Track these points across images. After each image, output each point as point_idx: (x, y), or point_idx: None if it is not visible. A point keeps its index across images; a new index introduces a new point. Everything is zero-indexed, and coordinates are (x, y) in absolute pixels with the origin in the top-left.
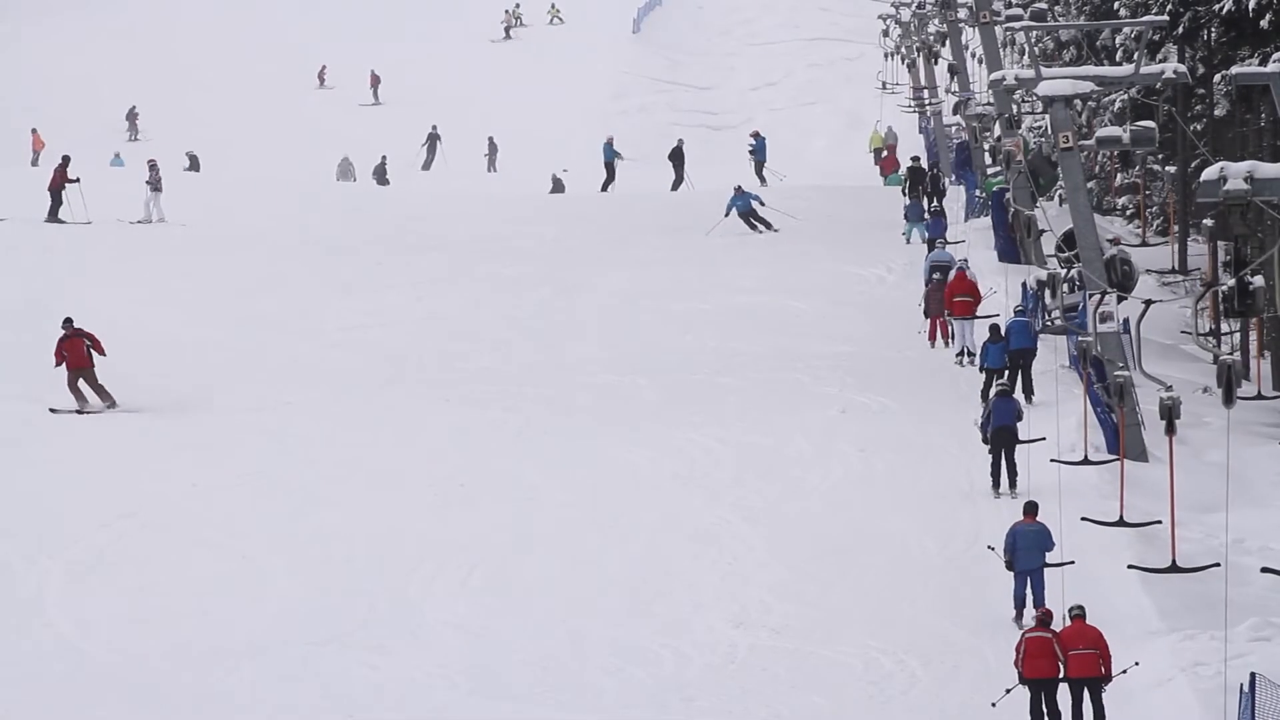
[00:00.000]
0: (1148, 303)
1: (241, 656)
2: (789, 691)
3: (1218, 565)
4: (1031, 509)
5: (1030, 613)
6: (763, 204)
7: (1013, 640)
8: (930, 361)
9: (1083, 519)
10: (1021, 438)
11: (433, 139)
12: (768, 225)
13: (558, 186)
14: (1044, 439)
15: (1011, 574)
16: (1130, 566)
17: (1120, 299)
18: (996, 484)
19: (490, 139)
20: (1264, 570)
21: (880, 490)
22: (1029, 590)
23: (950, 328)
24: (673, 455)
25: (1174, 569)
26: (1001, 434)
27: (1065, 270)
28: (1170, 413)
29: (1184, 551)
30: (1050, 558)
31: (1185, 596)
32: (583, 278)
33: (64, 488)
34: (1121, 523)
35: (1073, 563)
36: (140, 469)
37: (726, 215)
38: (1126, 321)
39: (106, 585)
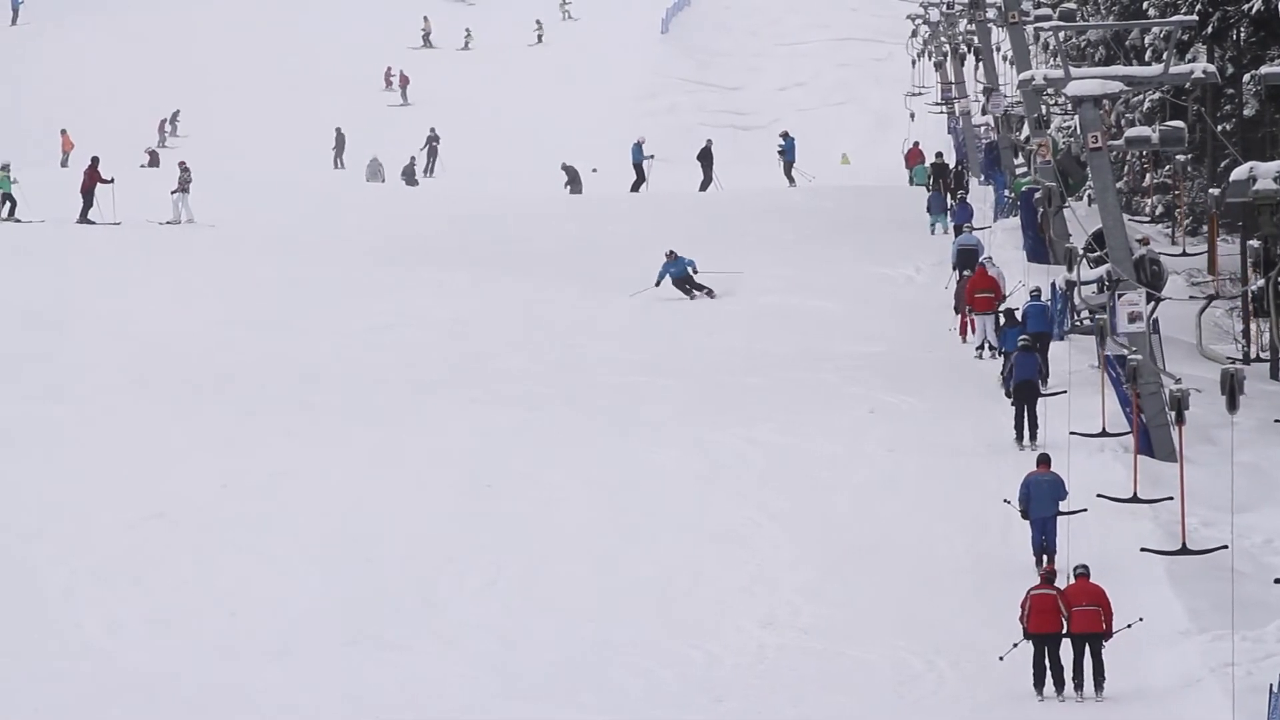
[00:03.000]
0: (1157, 300)
1: (268, 657)
2: (817, 692)
3: (1225, 547)
4: (1044, 460)
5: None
6: (696, 270)
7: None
8: (959, 362)
9: (1098, 495)
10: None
11: (431, 142)
12: (708, 291)
13: (573, 178)
14: (1065, 391)
15: (1028, 522)
16: (1143, 549)
17: (1150, 299)
18: (1020, 436)
19: (431, 129)
20: (1277, 581)
21: (909, 491)
22: (1044, 537)
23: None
24: (700, 456)
25: (1184, 551)
26: (1023, 388)
27: (1090, 265)
28: (1179, 404)
29: (1220, 554)
30: (1063, 506)
31: (1214, 597)
32: (610, 278)
33: (92, 488)
34: (1135, 499)
35: (1085, 510)
36: (168, 470)
37: (657, 284)
38: (1156, 322)
39: (134, 586)
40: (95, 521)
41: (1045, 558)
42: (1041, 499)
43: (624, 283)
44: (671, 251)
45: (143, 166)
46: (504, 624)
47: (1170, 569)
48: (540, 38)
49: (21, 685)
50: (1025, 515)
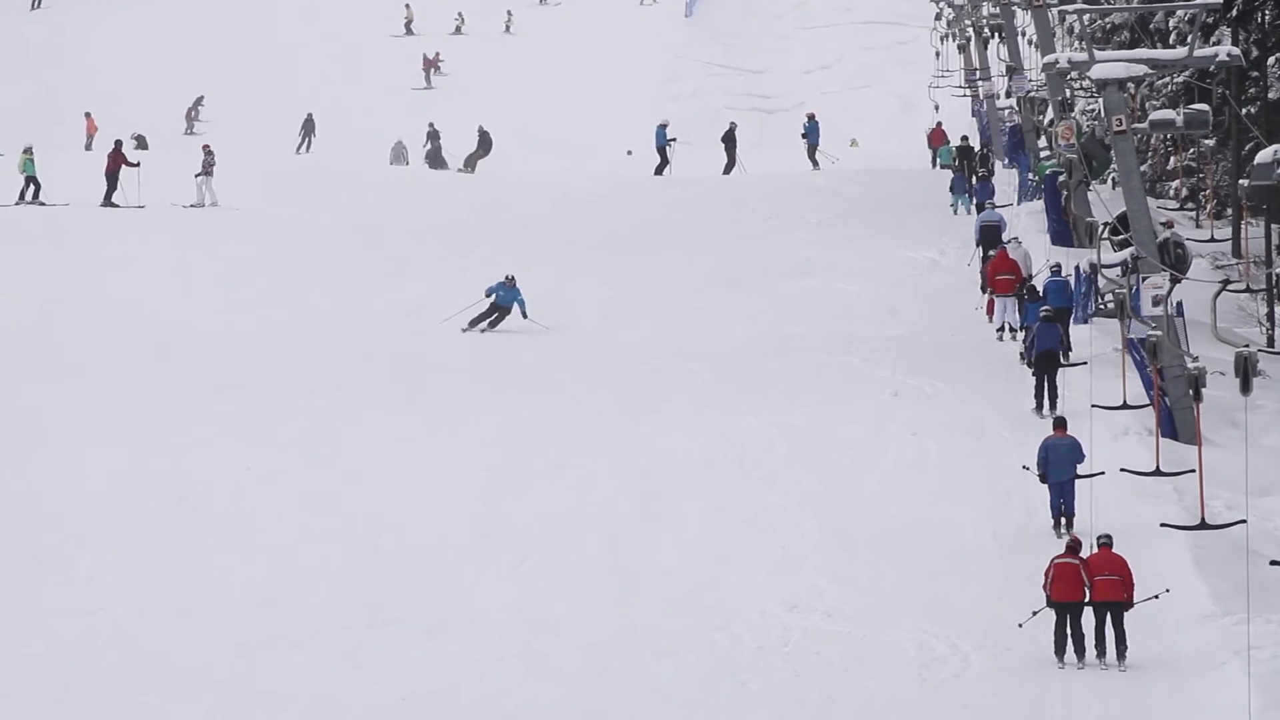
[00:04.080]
0: (1174, 280)
1: (294, 640)
2: (842, 675)
3: (1244, 522)
4: (1061, 423)
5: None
6: (525, 314)
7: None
8: (983, 344)
9: (1121, 469)
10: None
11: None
12: (494, 323)
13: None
14: (1085, 363)
15: (1046, 486)
16: (1163, 525)
17: (1174, 282)
18: (1040, 405)
19: (309, 115)
20: (1273, 563)
21: (933, 474)
22: (1062, 500)
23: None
24: (725, 439)
25: (1203, 526)
26: (1044, 357)
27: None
28: (1196, 382)
29: (1240, 533)
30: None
31: (1239, 580)
32: (635, 262)
33: (117, 473)
34: (1158, 473)
35: (1103, 473)
36: (193, 454)
37: (487, 296)
38: (1180, 305)
39: (160, 571)
40: (121, 506)
41: (1065, 521)
42: (1060, 462)
43: (650, 267)
44: (511, 277)
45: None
46: (529, 607)
47: (1196, 552)
48: (508, 27)
49: (47, 670)
50: (1044, 479)
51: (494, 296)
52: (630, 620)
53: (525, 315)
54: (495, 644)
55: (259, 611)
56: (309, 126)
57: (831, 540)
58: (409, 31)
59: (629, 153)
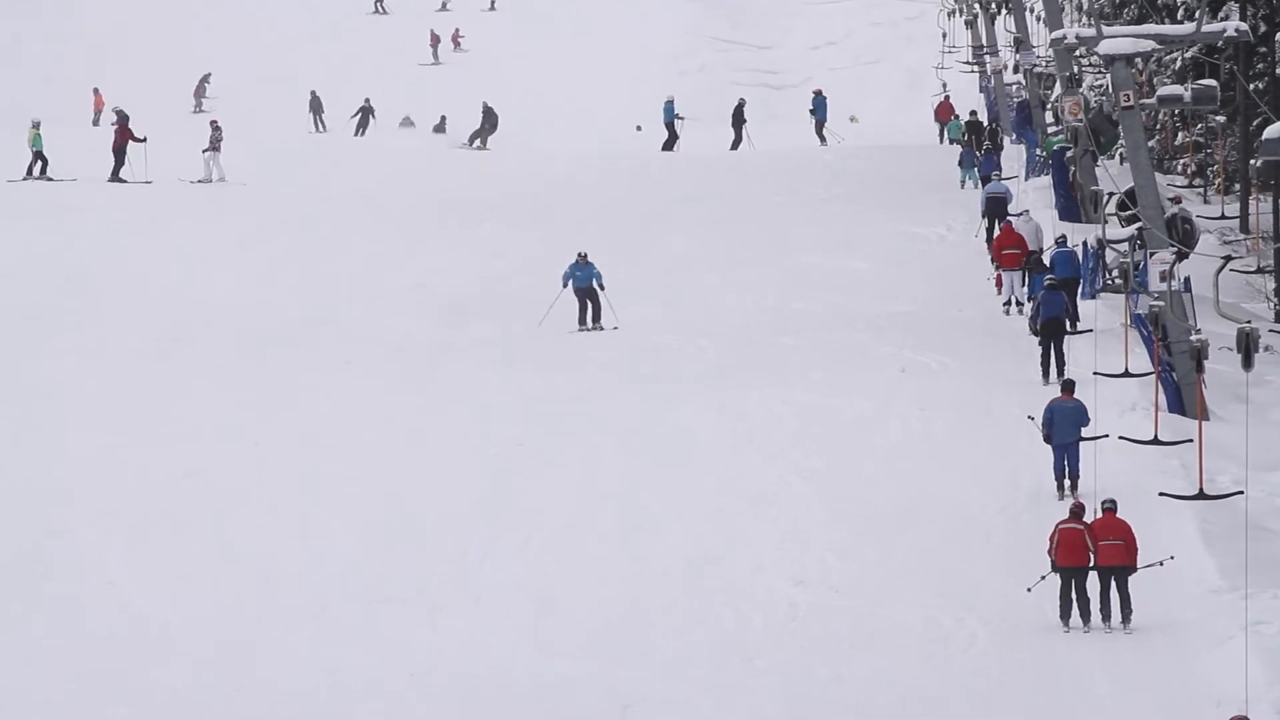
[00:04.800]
0: (1179, 254)
1: (302, 617)
2: (849, 651)
3: (1241, 493)
4: (1069, 386)
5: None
6: (602, 286)
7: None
8: (990, 320)
9: (1120, 437)
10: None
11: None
12: (597, 317)
13: (487, 115)
14: (1091, 330)
15: (1050, 447)
16: (1161, 494)
17: (1181, 257)
18: (1046, 374)
19: (313, 94)
20: None
21: (940, 449)
22: (1066, 463)
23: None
24: (733, 416)
25: (1201, 496)
26: (1050, 325)
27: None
28: (1199, 353)
29: (1251, 510)
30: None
31: (1247, 555)
32: (643, 238)
33: (126, 448)
34: (1156, 441)
35: (1106, 436)
36: (200, 430)
37: (564, 286)
38: (1188, 280)
39: (168, 545)
40: (128, 481)
41: (1070, 484)
42: (1064, 425)
43: (657, 243)
44: (584, 255)
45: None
46: (537, 584)
47: (1203, 526)
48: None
49: (56, 645)
50: (1048, 440)
51: (571, 282)
52: (637, 597)
53: (602, 288)
54: (503, 621)
55: (267, 587)
56: (316, 106)
57: (839, 516)
58: (379, 10)
59: (638, 128)
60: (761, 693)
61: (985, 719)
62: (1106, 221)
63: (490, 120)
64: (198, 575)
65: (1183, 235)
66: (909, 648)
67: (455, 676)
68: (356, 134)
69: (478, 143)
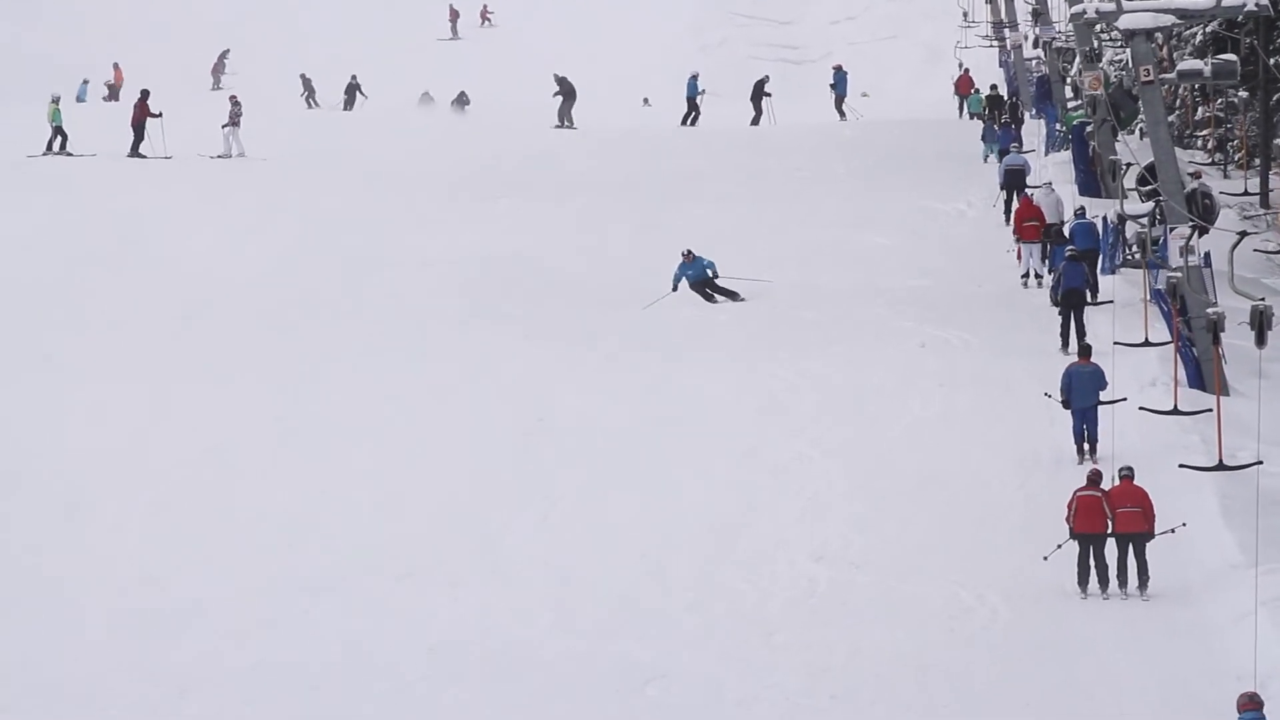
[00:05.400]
0: (1195, 228)
1: (322, 590)
2: (869, 626)
3: (1261, 463)
4: (1086, 351)
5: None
6: (716, 274)
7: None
8: (1010, 296)
9: (1140, 408)
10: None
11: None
12: (732, 295)
13: (565, 90)
14: (1111, 301)
15: (1069, 412)
16: (1181, 465)
17: (1201, 232)
18: (1065, 343)
19: (353, 78)
20: None
21: (960, 425)
22: (1085, 426)
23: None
24: (753, 389)
25: (1220, 467)
26: (1071, 295)
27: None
28: (1215, 327)
29: (1270, 486)
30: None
31: (1268, 530)
32: (664, 212)
33: (146, 423)
34: (1175, 411)
35: (1125, 399)
36: (221, 404)
37: (674, 289)
38: (1208, 255)
39: (189, 521)
40: (150, 456)
41: (1089, 447)
42: (1083, 389)
43: (678, 217)
44: (689, 251)
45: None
46: (557, 558)
47: (1223, 501)
48: None
49: (79, 619)
50: (1066, 405)
51: (682, 281)
52: (658, 571)
53: (716, 275)
54: (523, 595)
55: (287, 561)
56: (352, 90)
57: (859, 491)
58: None
59: (645, 101)
60: (782, 667)
61: (1006, 693)
62: (1126, 196)
63: (569, 93)
64: (218, 550)
65: (1203, 210)
66: (929, 622)
67: (475, 651)
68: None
69: (566, 121)
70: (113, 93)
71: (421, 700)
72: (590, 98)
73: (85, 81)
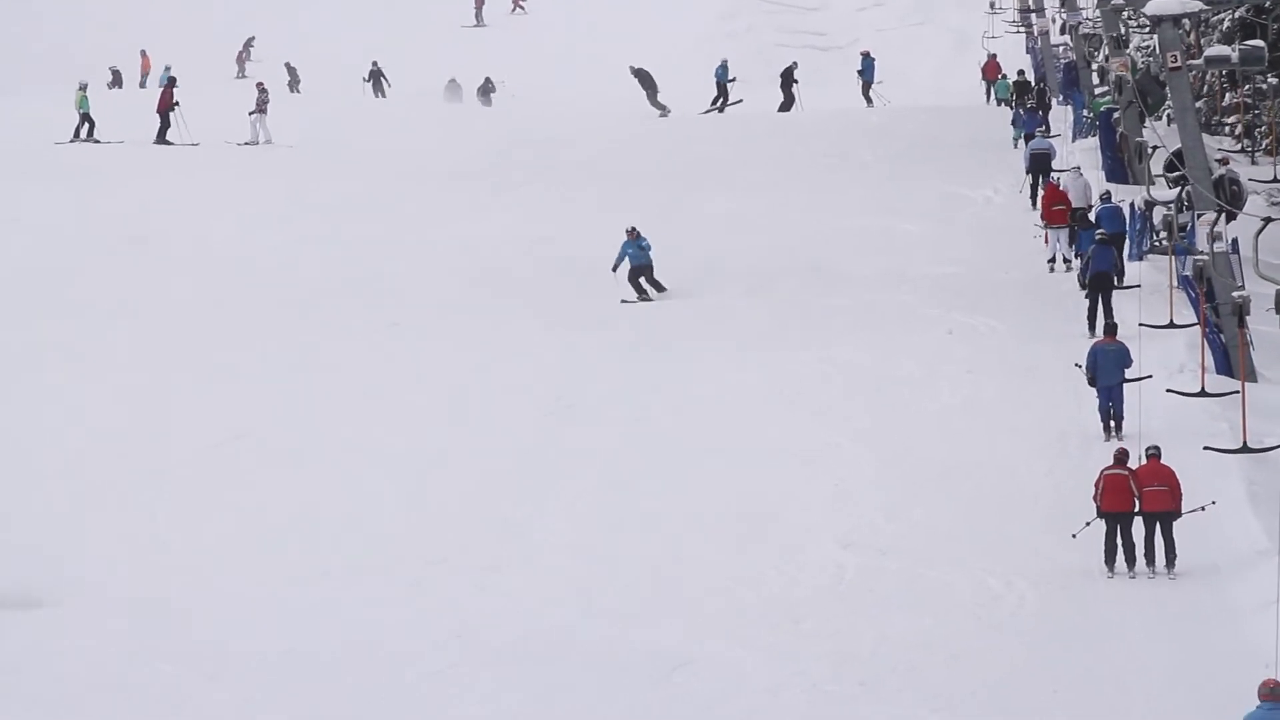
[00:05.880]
0: (1221, 211)
1: (352, 576)
2: (897, 613)
3: None
4: (1111, 329)
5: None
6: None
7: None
8: (1038, 282)
9: (1167, 390)
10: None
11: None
12: (660, 287)
13: (646, 82)
14: (1139, 286)
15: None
16: (1206, 448)
17: (1229, 217)
18: (1093, 327)
19: (375, 65)
20: None
21: (988, 412)
22: (1110, 404)
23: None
24: (781, 376)
25: (1244, 450)
26: (1099, 279)
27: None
28: (1241, 310)
29: None
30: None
31: None
32: (691, 199)
33: (173, 409)
34: (1203, 393)
35: (1150, 377)
36: (251, 389)
37: (614, 269)
38: (1235, 241)
39: (218, 505)
40: (176, 442)
41: (1114, 425)
42: (1108, 367)
43: (704, 204)
44: (634, 229)
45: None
46: (584, 544)
47: (1250, 489)
48: None
49: (108, 606)
50: (1092, 383)
51: (625, 260)
52: (686, 557)
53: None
54: (550, 581)
55: (315, 547)
56: (376, 77)
57: (887, 477)
58: None
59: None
60: (809, 654)
61: (1033, 679)
62: (1154, 182)
63: (646, 81)
64: (246, 536)
65: (1230, 196)
66: (957, 609)
67: (502, 637)
68: (376, 97)
69: (662, 109)
70: (141, 80)
71: (449, 687)
72: (615, 84)
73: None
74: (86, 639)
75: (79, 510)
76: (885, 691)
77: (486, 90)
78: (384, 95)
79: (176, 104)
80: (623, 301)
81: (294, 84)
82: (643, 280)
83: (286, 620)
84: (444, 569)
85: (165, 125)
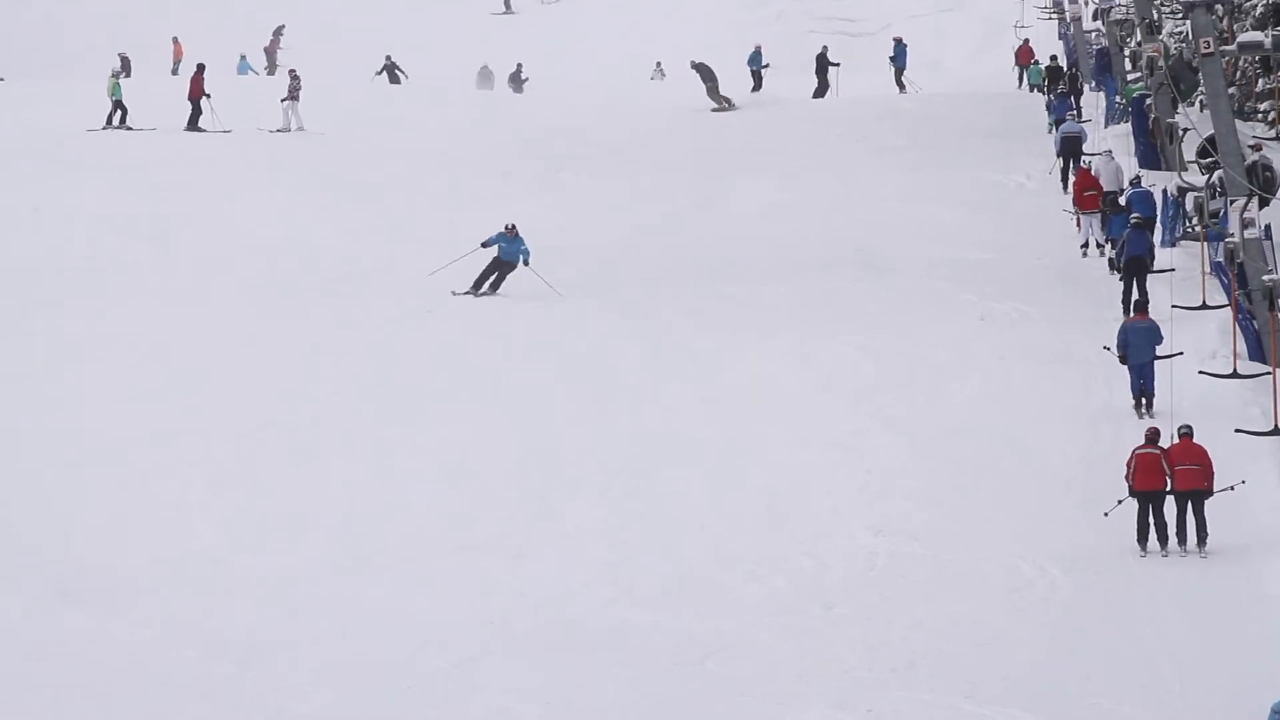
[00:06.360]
0: (1254, 196)
1: (383, 563)
2: (928, 598)
3: None
4: (1142, 307)
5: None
6: (527, 263)
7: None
8: (1070, 269)
9: (1199, 372)
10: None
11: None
12: (492, 290)
13: (706, 76)
14: (1174, 270)
15: (1126, 367)
16: (1237, 430)
17: (1263, 204)
18: (1127, 310)
19: (387, 59)
20: None
21: (1020, 398)
22: (1142, 381)
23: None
24: (812, 363)
25: (1275, 432)
26: (1133, 263)
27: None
28: (1272, 294)
29: None
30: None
31: None
32: (722, 187)
33: (204, 396)
34: (1235, 375)
35: (1181, 354)
36: (280, 378)
37: (484, 245)
38: (1268, 227)
39: (247, 494)
40: (208, 429)
41: (1145, 402)
42: (1139, 345)
43: (735, 191)
44: (513, 227)
45: (115, 72)
46: (617, 531)
47: None
48: None
49: (139, 592)
50: (1124, 360)
51: (494, 249)
52: (717, 544)
53: (527, 264)
54: (583, 567)
55: (348, 534)
56: (390, 70)
57: (918, 464)
58: None
59: (658, 66)
60: (841, 640)
61: (1066, 665)
62: (1184, 165)
63: (707, 75)
64: (278, 523)
65: (1263, 182)
66: (989, 595)
67: (535, 623)
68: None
69: (724, 103)
70: (173, 67)
71: (479, 673)
72: (644, 72)
73: (243, 56)
74: (116, 627)
75: (109, 498)
76: (917, 677)
77: (518, 78)
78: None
79: (208, 95)
80: (470, 290)
81: (270, 70)
82: (495, 277)
83: (316, 608)
84: (474, 555)
85: (197, 112)
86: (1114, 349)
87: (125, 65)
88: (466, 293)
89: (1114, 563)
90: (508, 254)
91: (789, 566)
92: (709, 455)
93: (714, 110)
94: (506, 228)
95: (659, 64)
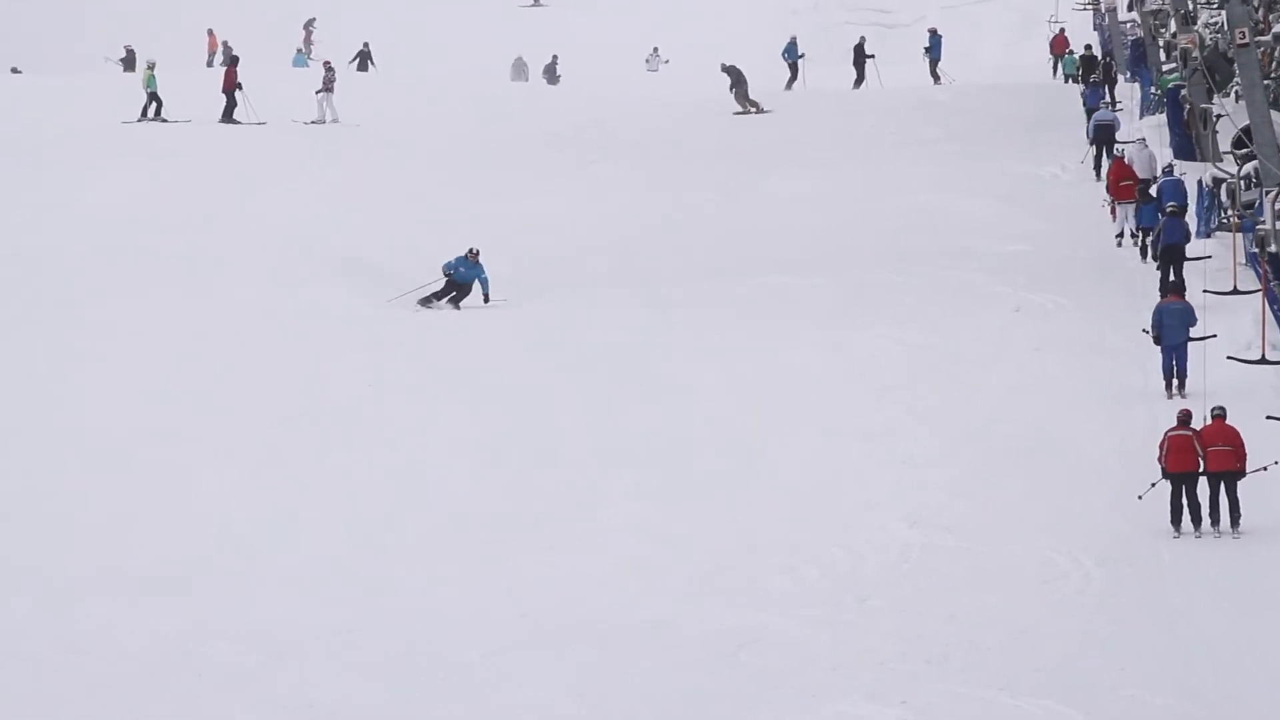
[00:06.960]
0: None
1: (415, 555)
2: (962, 591)
3: None
4: (1176, 288)
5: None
6: (486, 293)
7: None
8: (1104, 260)
9: (1228, 357)
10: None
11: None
12: (453, 306)
13: (736, 79)
14: (1210, 257)
15: (1159, 349)
16: (1268, 418)
17: None
18: (1164, 296)
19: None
20: None
21: (1055, 389)
22: (1175, 363)
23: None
24: (846, 354)
25: None
26: (1170, 251)
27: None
28: None
29: None
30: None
31: None
32: (755, 178)
33: (238, 388)
34: (1263, 360)
35: (1214, 336)
36: (313, 369)
37: (444, 274)
38: None
39: (280, 484)
40: (242, 420)
41: (1177, 383)
42: (1173, 326)
43: (768, 182)
44: (475, 252)
45: (150, 64)
46: (650, 523)
47: None
48: None
49: (174, 582)
50: (1157, 341)
51: (452, 274)
52: (750, 536)
53: (486, 297)
54: (614, 559)
55: (379, 527)
56: (363, 58)
57: (952, 456)
58: None
59: (655, 52)
60: (875, 632)
61: (1100, 658)
62: (1220, 158)
63: (737, 78)
64: (311, 516)
65: None
66: (1023, 587)
67: (565, 615)
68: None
69: (751, 106)
70: (207, 59)
71: (510, 665)
72: (678, 64)
73: (299, 50)
74: (149, 619)
75: (143, 488)
76: (951, 669)
77: (553, 70)
78: (526, 78)
79: (240, 86)
80: (419, 300)
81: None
82: (451, 296)
83: (348, 599)
84: (505, 548)
85: (231, 104)
86: (1150, 329)
87: (130, 57)
88: (419, 307)
89: (1148, 553)
90: (464, 278)
91: (822, 558)
92: (741, 446)
93: (736, 114)
94: (469, 252)
95: (655, 49)
